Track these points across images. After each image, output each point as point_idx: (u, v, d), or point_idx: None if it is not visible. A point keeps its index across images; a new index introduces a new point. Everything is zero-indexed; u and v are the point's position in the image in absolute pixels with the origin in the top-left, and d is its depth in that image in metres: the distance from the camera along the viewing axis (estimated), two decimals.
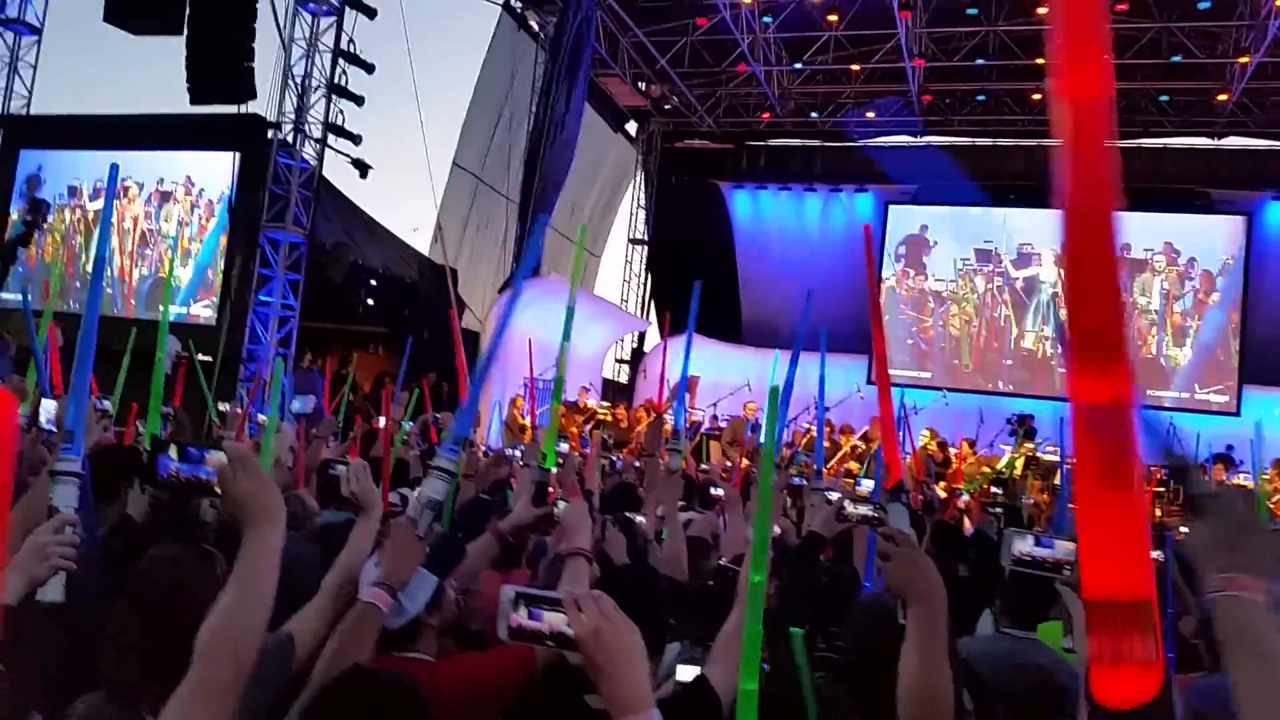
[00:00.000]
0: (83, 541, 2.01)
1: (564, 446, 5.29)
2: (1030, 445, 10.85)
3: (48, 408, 3.83)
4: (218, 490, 1.72)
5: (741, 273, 19.24)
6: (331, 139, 12.77)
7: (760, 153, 19.68)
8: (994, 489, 6.91)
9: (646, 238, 20.62)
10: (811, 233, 18.80)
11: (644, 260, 20.76)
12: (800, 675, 1.76)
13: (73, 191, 14.20)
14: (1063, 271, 1.22)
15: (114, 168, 2.91)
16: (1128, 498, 1.18)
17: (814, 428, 11.94)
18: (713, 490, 5.55)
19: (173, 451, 1.98)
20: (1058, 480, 9.69)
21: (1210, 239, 16.22)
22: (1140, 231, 16.53)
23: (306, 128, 12.67)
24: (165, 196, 13.84)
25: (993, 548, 4.20)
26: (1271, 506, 9.62)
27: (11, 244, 10.20)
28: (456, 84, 16.65)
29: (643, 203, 20.70)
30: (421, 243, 16.13)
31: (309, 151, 12.74)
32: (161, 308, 5.76)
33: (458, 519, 3.70)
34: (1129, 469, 1.19)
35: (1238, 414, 15.09)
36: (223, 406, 8.20)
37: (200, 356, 10.01)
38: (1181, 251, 16.28)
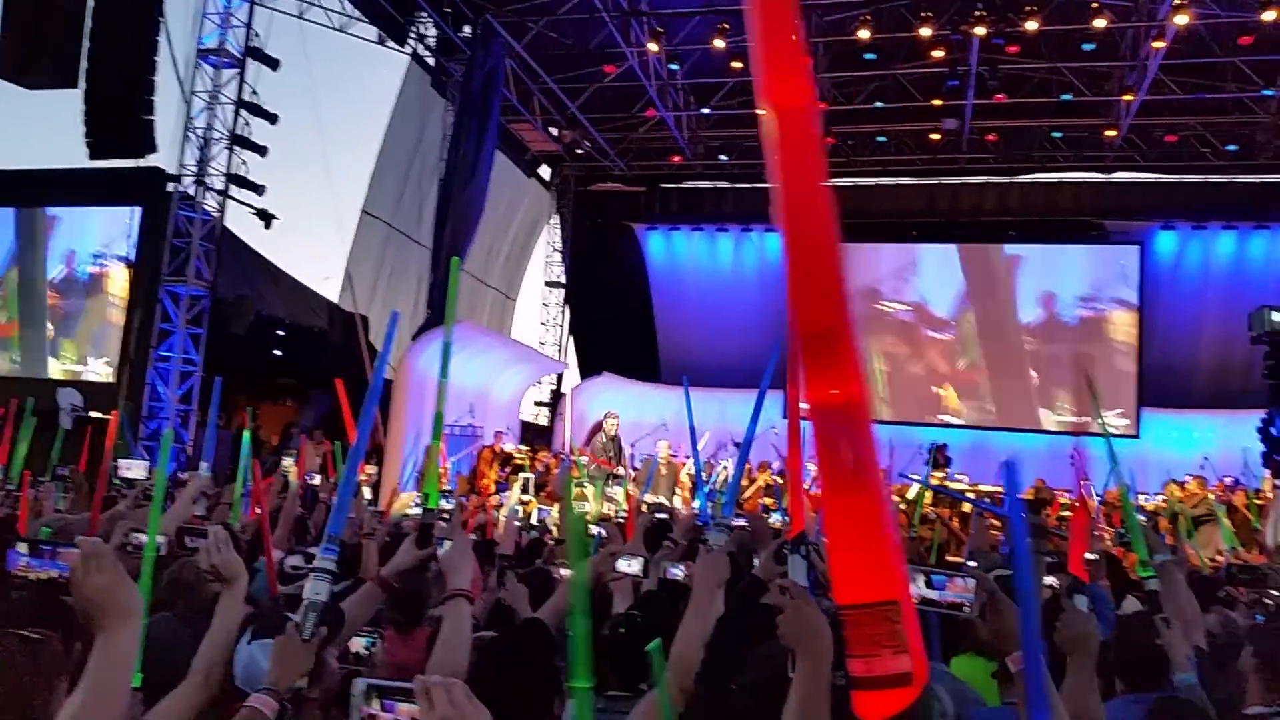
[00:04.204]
0: None
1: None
2: (941, 474, 11.04)
3: None
4: (69, 589, 1.62)
5: (658, 312, 19.38)
6: (235, 190, 12.54)
7: (672, 195, 19.89)
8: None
9: (563, 280, 20.64)
10: (725, 272, 19.07)
11: (561, 303, 20.75)
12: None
13: None
14: (786, 272, 1.20)
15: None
16: (867, 499, 1.20)
17: (729, 466, 12.02)
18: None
19: (23, 546, 1.83)
20: (967, 508, 9.87)
21: (1106, 268, 16.93)
22: (1041, 263, 17.19)
23: (208, 179, 12.42)
24: (72, 253, 13.41)
25: None
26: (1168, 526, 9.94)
27: None
28: (366, 133, 16.51)
29: (558, 246, 20.74)
30: (332, 291, 15.87)
31: (211, 204, 12.48)
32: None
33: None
34: (867, 470, 1.20)
35: (1137, 436, 15.65)
36: (124, 464, 7.87)
37: (94, 414, 9.65)
38: (1079, 281, 16.95)
